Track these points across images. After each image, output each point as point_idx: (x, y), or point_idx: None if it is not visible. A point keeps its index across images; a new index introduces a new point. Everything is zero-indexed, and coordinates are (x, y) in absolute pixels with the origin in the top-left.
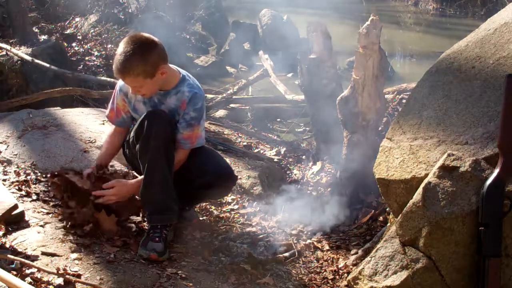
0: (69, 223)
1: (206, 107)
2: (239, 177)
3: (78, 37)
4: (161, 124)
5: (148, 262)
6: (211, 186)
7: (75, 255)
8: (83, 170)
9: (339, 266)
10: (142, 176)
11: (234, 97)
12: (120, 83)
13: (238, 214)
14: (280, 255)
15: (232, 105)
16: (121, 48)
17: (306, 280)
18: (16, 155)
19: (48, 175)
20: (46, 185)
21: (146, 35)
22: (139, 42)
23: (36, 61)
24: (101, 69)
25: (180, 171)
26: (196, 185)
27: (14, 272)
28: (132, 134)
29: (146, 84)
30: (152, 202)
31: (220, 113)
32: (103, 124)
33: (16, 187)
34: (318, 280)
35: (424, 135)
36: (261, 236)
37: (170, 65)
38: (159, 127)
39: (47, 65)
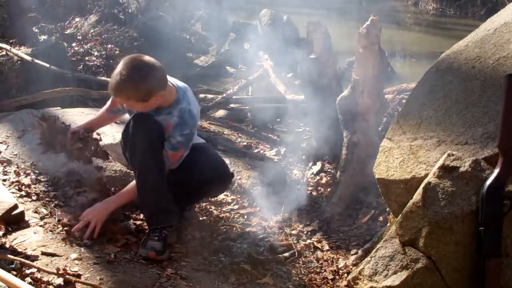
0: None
1: (206, 107)
2: (239, 177)
3: (78, 37)
4: (145, 128)
5: (148, 262)
6: (207, 184)
7: (75, 255)
8: (69, 126)
9: (339, 266)
10: (120, 192)
11: (234, 97)
12: None
13: (238, 214)
14: (280, 255)
15: (232, 105)
16: (119, 68)
17: (306, 280)
18: (16, 155)
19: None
20: (46, 185)
21: (147, 59)
22: (138, 67)
23: (36, 61)
24: (101, 69)
25: (176, 170)
26: (193, 184)
27: (14, 272)
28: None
29: (138, 106)
30: (147, 206)
31: (220, 113)
32: None
33: (16, 187)
34: (318, 280)
35: (424, 135)
36: (261, 236)
37: (170, 80)
38: (144, 131)
39: (47, 65)
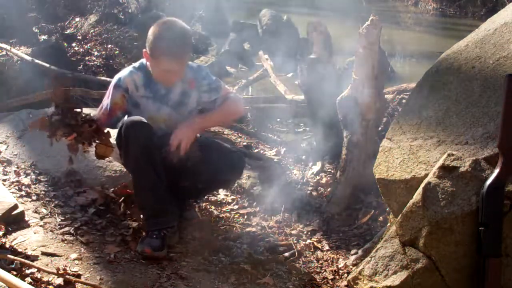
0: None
1: None
2: None
3: (78, 37)
4: (136, 132)
5: (148, 262)
6: (220, 177)
7: (75, 255)
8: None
9: (339, 266)
10: (206, 114)
11: None
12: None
13: (238, 214)
14: (280, 255)
15: None
16: (170, 33)
17: (306, 280)
18: (16, 155)
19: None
20: (46, 185)
21: (170, 17)
22: (178, 24)
23: (36, 61)
24: (101, 69)
25: (185, 167)
26: (205, 178)
27: (14, 272)
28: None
29: (187, 59)
30: (145, 208)
31: None
32: None
33: (16, 187)
34: (318, 280)
35: (424, 135)
36: (261, 236)
37: None
38: (135, 135)
39: (47, 65)
